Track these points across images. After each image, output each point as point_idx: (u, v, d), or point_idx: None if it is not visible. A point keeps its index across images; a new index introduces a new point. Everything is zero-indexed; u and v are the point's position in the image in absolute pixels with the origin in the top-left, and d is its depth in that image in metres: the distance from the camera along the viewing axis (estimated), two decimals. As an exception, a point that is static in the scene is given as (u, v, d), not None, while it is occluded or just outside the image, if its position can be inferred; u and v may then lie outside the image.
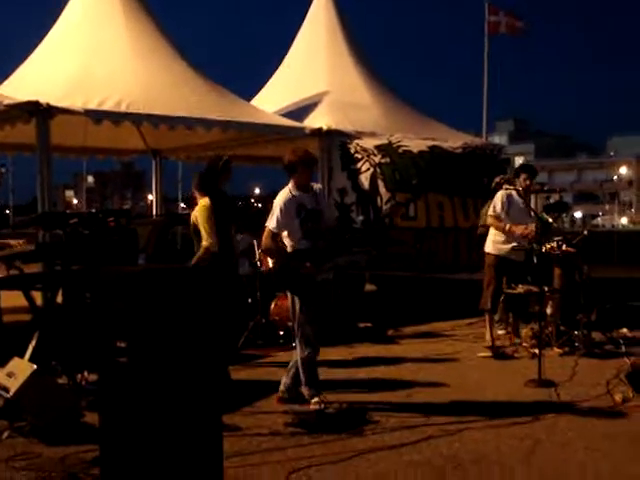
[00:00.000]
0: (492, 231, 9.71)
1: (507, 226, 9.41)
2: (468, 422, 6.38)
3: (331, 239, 6.98)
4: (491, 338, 9.68)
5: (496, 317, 10.08)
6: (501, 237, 9.59)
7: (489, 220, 9.71)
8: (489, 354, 9.23)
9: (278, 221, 6.81)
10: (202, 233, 7.57)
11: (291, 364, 7.09)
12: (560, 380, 7.71)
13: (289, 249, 6.91)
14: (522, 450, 5.71)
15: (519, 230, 9.28)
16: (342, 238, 7.16)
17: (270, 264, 7.27)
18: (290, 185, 6.96)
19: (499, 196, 9.60)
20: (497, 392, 7.50)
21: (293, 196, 6.87)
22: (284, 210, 6.80)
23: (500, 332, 10.20)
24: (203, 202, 7.75)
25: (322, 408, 6.57)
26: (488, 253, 9.72)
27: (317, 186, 7.19)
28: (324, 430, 6.08)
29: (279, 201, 6.86)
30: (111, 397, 4.48)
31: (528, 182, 9.54)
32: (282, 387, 7.05)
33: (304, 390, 6.88)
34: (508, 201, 9.51)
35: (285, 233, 6.89)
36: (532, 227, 9.09)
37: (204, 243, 7.53)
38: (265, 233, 6.95)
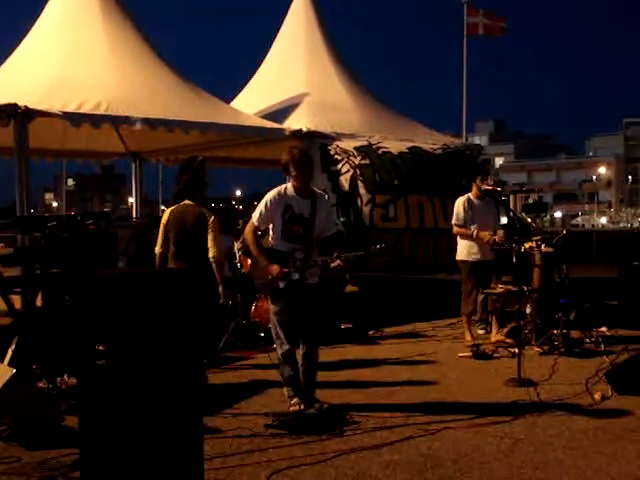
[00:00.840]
0: (459, 240, 9.95)
1: (474, 233, 9.65)
2: (448, 421, 6.41)
3: (322, 249, 6.91)
4: (471, 338, 9.78)
5: (476, 317, 10.17)
6: (470, 243, 9.80)
7: (455, 229, 9.91)
8: (469, 354, 9.27)
9: (261, 215, 6.76)
10: (209, 244, 7.52)
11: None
12: (540, 379, 7.77)
13: (269, 246, 6.88)
14: (502, 449, 5.74)
15: (485, 237, 9.54)
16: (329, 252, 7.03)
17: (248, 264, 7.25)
18: (287, 184, 6.86)
19: (460, 203, 9.84)
20: (477, 391, 7.54)
21: (282, 195, 6.76)
22: (269, 206, 6.74)
23: (480, 332, 10.28)
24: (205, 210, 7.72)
25: (302, 409, 6.57)
26: (462, 261, 9.91)
27: (321, 194, 7.09)
28: (305, 431, 6.08)
29: (267, 196, 6.79)
30: (90, 400, 4.46)
31: (484, 183, 9.84)
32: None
33: (284, 390, 6.86)
34: (470, 206, 9.79)
35: (270, 231, 6.87)
36: (500, 233, 9.38)
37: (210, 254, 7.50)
38: (248, 225, 6.94)
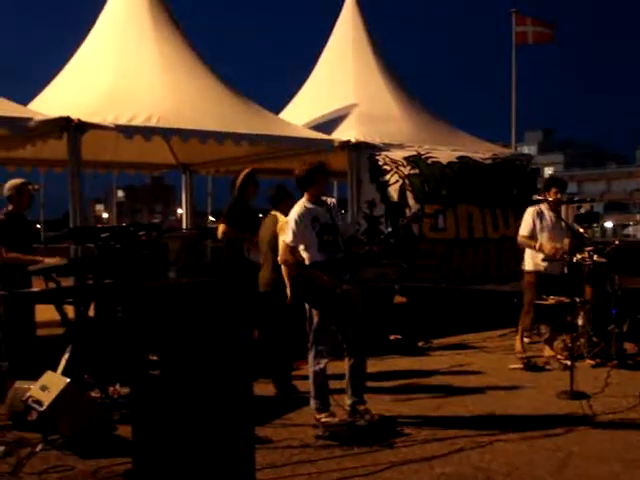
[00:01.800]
0: (528, 250, 9.70)
1: (537, 245, 9.42)
2: (499, 434, 6.35)
3: (349, 251, 6.95)
4: (522, 349, 9.65)
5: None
6: (534, 254, 9.57)
7: (520, 240, 9.68)
8: (520, 366, 9.17)
9: (294, 234, 6.77)
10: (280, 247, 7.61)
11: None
12: (592, 392, 7.66)
13: (307, 262, 6.86)
14: (554, 462, 5.67)
15: (548, 250, 9.29)
16: (359, 252, 7.11)
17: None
18: (304, 198, 6.92)
19: (529, 214, 9.59)
20: (529, 404, 7.46)
21: (307, 209, 6.82)
22: (299, 223, 6.76)
23: (526, 340, 10.12)
24: (283, 219, 7.85)
25: (352, 420, 6.54)
26: (527, 271, 9.67)
27: (331, 200, 7.12)
28: (355, 442, 6.08)
29: (294, 215, 6.82)
30: (144, 410, 4.51)
31: (558, 195, 9.57)
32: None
33: (312, 402, 6.81)
34: (539, 217, 9.53)
35: (302, 247, 6.85)
36: (566, 243, 9.16)
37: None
38: (281, 248, 6.97)
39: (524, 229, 9.59)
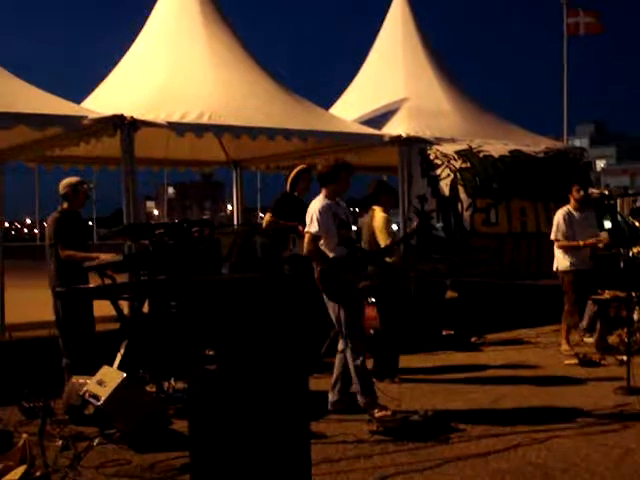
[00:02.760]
0: (558, 250, 9.73)
1: (581, 242, 9.45)
2: (556, 430, 6.29)
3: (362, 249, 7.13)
4: (569, 347, 9.60)
5: (583, 324, 9.94)
6: (569, 253, 9.59)
7: (560, 244, 9.69)
8: (575, 361, 9.07)
9: (320, 225, 6.82)
10: (379, 240, 7.99)
11: (334, 379, 7.11)
12: (650, 387, 7.54)
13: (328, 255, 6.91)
14: (612, 459, 5.59)
15: (592, 242, 9.32)
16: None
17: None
18: (322, 195, 7.03)
19: (559, 217, 9.65)
20: (584, 400, 7.36)
21: (328, 204, 6.92)
22: (323, 215, 6.84)
23: (587, 340, 10.04)
24: (380, 212, 8.22)
25: (405, 416, 6.52)
26: (564, 272, 9.67)
27: (342, 203, 7.21)
28: (409, 438, 6.05)
29: (316, 207, 6.91)
30: (200, 404, 4.54)
31: (582, 193, 9.61)
32: (330, 406, 7.03)
33: (360, 399, 6.83)
34: (570, 219, 9.57)
35: (322, 241, 6.90)
36: (604, 236, 9.14)
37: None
38: (307, 239, 6.97)
39: (559, 233, 9.66)
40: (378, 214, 8.19)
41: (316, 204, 6.96)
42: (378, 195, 8.43)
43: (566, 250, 9.67)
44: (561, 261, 9.75)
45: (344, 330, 6.86)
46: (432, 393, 7.78)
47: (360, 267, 7.04)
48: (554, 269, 9.88)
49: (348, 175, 7.08)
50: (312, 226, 6.88)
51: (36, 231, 72.95)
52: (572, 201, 9.74)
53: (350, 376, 6.94)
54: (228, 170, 15.01)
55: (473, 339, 10.94)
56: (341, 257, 6.87)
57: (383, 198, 8.38)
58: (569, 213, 9.68)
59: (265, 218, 9.15)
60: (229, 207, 79.82)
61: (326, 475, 5.22)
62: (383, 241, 7.94)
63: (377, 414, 6.60)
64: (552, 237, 9.79)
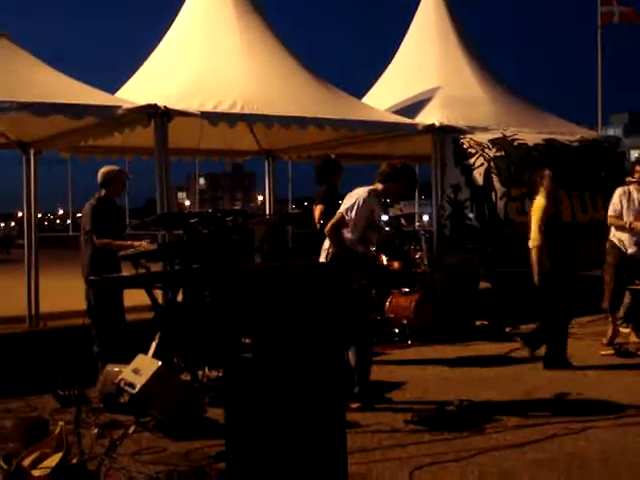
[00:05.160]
0: (612, 230, 9.56)
1: (628, 223, 9.25)
2: (592, 420, 6.22)
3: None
4: (613, 335, 9.46)
5: (620, 314, 9.82)
6: (621, 235, 9.41)
7: (609, 220, 9.53)
8: (611, 352, 8.98)
9: (355, 212, 6.75)
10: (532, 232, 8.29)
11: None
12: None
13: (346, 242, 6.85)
14: (651, 450, 5.53)
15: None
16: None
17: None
18: (375, 187, 6.97)
19: (616, 194, 9.47)
20: (621, 390, 7.29)
21: (376, 199, 6.88)
22: (364, 207, 6.78)
23: (625, 330, 9.91)
24: (539, 203, 8.42)
25: (440, 406, 6.48)
26: (609, 250, 9.53)
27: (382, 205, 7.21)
28: (445, 428, 6.02)
29: (364, 196, 6.82)
30: (236, 393, 4.54)
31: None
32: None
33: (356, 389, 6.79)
34: (627, 198, 9.39)
35: (346, 229, 6.83)
36: None
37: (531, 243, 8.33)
38: (335, 217, 6.88)
39: (611, 209, 9.52)
40: (538, 204, 8.58)
41: (365, 192, 6.86)
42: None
43: (616, 229, 9.52)
44: (610, 239, 9.58)
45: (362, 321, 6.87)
46: (466, 383, 7.74)
47: (367, 271, 6.94)
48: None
49: (408, 184, 7.07)
50: (348, 209, 6.80)
51: (69, 222, 73.58)
52: (636, 183, 9.51)
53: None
54: (259, 160, 15.01)
55: (507, 330, 10.87)
56: (355, 252, 6.83)
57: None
58: (628, 192, 9.48)
59: (317, 210, 8.97)
60: (259, 198, 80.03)
61: (361, 464, 5.20)
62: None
63: (353, 406, 6.55)
64: (609, 213, 9.61)
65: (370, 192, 6.89)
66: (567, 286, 8.48)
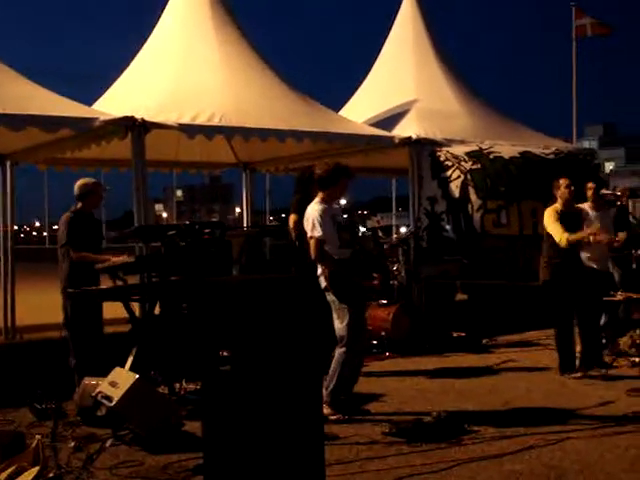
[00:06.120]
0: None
1: (591, 237, 9.26)
2: (569, 431, 6.27)
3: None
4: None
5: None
6: (585, 252, 9.45)
7: (570, 238, 9.51)
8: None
9: (323, 228, 6.77)
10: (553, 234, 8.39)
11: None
12: (663, 389, 7.51)
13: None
14: (627, 459, 5.58)
15: (603, 239, 9.10)
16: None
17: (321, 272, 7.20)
18: (319, 198, 7.00)
19: None
20: (597, 401, 7.33)
21: (326, 207, 6.90)
22: (324, 218, 6.80)
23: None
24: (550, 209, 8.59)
25: (418, 418, 6.50)
26: None
27: (337, 207, 7.25)
28: (423, 439, 6.03)
29: (315, 212, 6.86)
30: (214, 406, 4.53)
31: (593, 191, 9.49)
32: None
33: (325, 393, 6.62)
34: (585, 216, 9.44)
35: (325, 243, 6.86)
36: (621, 236, 9.03)
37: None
38: (313, 244, 6.81)
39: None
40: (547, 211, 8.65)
41: (314, 208, 6.91)
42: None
43: (581, 247, 9.50)
44: None
45: (346, 331, 6.62)
46: (444, 395, 7.76)
47: (365, 269, 7.03)
48: None
49: (348, 180, 7.06)
50: (315, 231, 6.78)
51: (45, 234, 73.04)
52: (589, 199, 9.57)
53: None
54: (237, 172, 15.02)
55: (484, 341, 10.92)
56: (347, 259, 6.86)
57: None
58: (585, 210, 9.51)
59: (291, 220, 8.92)
60: (237, 210, 79.91)
61: (340, 476, 5.21)
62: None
63: (326, 411, 6.47)
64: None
65: (317, 203, 6.95)
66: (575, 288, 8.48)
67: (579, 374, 8.27)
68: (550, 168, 12.20)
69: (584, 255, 9.23)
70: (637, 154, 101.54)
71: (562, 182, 8.69)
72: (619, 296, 8.80)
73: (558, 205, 8.55)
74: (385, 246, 11.25)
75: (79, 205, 7.83)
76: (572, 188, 8.72)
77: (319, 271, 6.88)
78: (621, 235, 9.30)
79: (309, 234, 6.88)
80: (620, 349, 9.43)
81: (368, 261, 7.31)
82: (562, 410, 7.06)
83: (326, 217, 6.82)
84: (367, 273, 7.22)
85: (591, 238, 8.87)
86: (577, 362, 8.55)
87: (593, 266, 9.23)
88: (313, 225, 6.82)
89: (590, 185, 9.63)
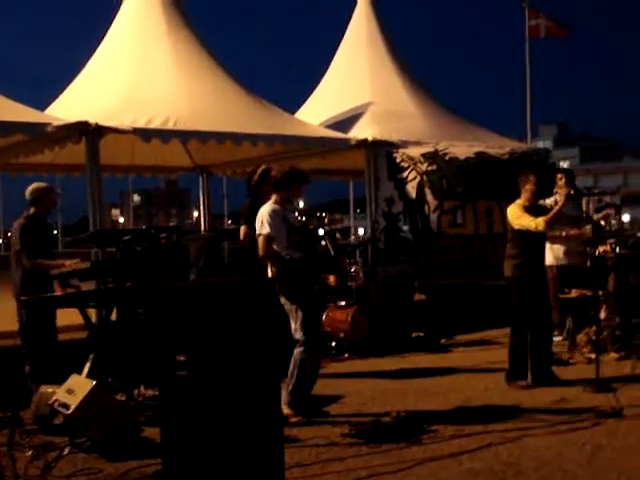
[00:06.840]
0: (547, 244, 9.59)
1: (563, 232, 9.32)
2: (527, 429, 6.31)
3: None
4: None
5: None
6: (556, 247, 9.51)
7: (545, 218, 9.53)
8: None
9: (271, 227, 6.84)
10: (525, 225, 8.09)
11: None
12: (618, 385, 7.60)
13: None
14: (584, 455, 5.63)
15: (575, 232, 9.18)
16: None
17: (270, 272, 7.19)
18: (272, 200, 7.05)
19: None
20: (555, 398, 7.39)
21: (278, 208, 6.95)
22: (274, 218, 6.86)
23: (556, 339, 10.05)
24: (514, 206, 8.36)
25: (376, 418, 6.52)
26: (548, 266, 9.52)
27: (292, 210, 7.29)
28: (382, 440, 6.05)
29: (266, 211, 6.93)
30: (172, 411, 4.51)
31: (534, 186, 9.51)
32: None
33: (284, 394, 6.66)
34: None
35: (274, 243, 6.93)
36: (587, 229, 9.05)
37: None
38: (261, 241, 6.91)
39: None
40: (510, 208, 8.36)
41: (266, 208, 6.98)
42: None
43: (553, 243, 9.53)
44: (547, 255, 9.54)
45: (301, 331, 6.79)
46: (403, 395, 7.78)
47: (316, 268, 7.05)
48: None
49: (302, 184, 7.12)
50: (264, 228, 6.87)
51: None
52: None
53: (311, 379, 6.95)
54: (194, 176, 14.97)
55: (442, 341, 10.97)
56: (296, 258, 6.89)
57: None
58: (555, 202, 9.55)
59: (242, 231, 8.83)
60: (195, 214, 79.59)
61: (300, 479, 5.20)
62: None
63: (286, 411, 6.52)
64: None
65: (269, 204, 7.01)
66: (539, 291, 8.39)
67: (524, 384, 8.16)
68: (505, 168, 12.33)
69: (561, 250, 9.27)
70: (591, 153, 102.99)
71: (532, 177, 8.64)
72: (573, 293, 8.90)
73: (522, 201, 8.46)
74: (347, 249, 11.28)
75: (32, 210, 7.73)
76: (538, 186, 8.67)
77: (269, 272, 6.93)
78: (588, 228, 9.31)
79: (257, 231, 6.97)
80: (576, 346, 9.54)
81: (323, 262, 7.28)
82: (520, 408, 7.10)
83: (276, 217, 6.87)
84: (319, 274, 7.20)
85: (562, 233, 8.93)
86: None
87: (571, 262, 9.29)
88: (262, 223, 6.91)
89: (560, 175, 9.67)
